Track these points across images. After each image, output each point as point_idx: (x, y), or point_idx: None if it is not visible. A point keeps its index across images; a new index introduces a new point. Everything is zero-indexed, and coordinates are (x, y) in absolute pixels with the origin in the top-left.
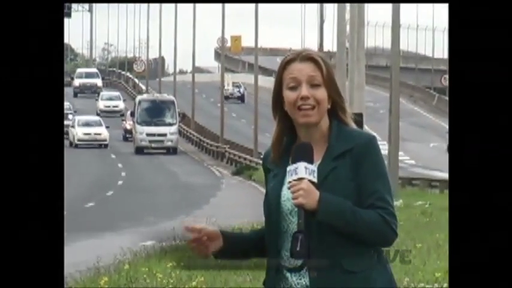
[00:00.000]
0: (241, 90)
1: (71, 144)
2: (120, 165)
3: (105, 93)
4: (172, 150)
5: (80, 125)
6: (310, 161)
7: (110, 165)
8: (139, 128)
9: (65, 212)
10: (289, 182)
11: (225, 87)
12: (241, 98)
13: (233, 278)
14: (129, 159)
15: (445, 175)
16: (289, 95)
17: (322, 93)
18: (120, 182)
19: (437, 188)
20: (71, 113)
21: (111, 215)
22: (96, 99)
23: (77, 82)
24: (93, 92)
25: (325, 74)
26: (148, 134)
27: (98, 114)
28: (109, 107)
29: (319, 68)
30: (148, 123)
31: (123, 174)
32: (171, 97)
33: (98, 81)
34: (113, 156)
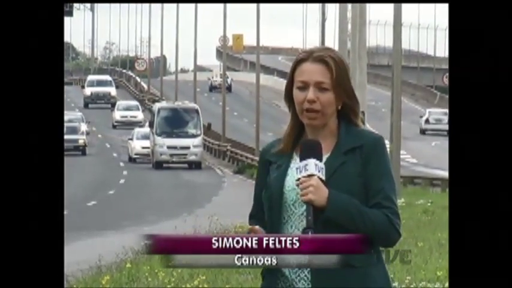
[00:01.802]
0: (228, 81)
1: (130, 159)
2: (121, 164)
3: (121, 102)
4: (195, 165)
5: (139, 137)
6: (319, 158)
7: (112, 163)
8: (158, 139)
9: (66, 211)
10: (298, 178)
11: (213, 78)
12: (228, 88)
13: (234, 277)
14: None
15: (446, 174)
16: (297, 95)
17: (328, 97)
18: (122, 181)
19: (439, 187)
20: (77, 125)
21: (113, 214)
22: (112, 110)
23: (87, 91)
24: (106, 102)
25: (334, 77)
26: (169, 147)
27: (114, 126)
28: (126, 117)
29: (329, 71)
30: (169, 135)
31: (124, 173)
32: (195, 105)
33: (112, 90)
34: (115, 154)
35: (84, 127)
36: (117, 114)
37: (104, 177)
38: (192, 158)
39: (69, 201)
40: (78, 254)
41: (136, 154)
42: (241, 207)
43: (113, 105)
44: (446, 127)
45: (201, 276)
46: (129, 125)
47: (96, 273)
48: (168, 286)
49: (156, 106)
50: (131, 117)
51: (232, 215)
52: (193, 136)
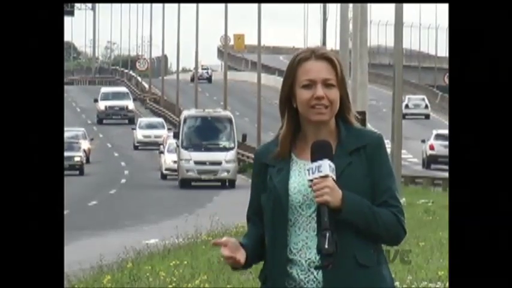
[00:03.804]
0: (209, 72)
1: (161, 175)
2: (123, 163)
3: (143, 119)
4: (229, 183)
5: (171, 150)
6: (331, 159)
7: (113, 163)
8: (185, 153)
9: (68, 211)
10: (311, 179)
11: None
12: (208, 79)
13: (236, 277)
14: (132, 157)
15: (447, 173)
16: (303, 94)
17: (335, 93)
18: (123, 181)
19: (440, 186)
20: (76, 142)
21: (114, 214)
22: (134, 128)
23: (102, 105)
24: (123, 117)
25: (339, 74)
26: (197, 162)
27: (135, 147)
28: (149, 137)
29: (334, 68)
30: (196, 148)
31: (126, 172)
32: (227, 113)
33: (129, 104)
34: (116, 154)
35: (86, 144)
36: (139, 133)
37: (105, 177)
38: (224, 175)
39: (71, 201)
40: (80, 253)
41: (167, 169)
42: (242, 206)
43: (130, 120)
44: (424, 111)
45: (203, 275)
46: (153, 145)
47: (97, 272)
48: (170, 286)
49: (183, 114)
50: (155, 136)
51: (234, 215)
52: (226, 149)
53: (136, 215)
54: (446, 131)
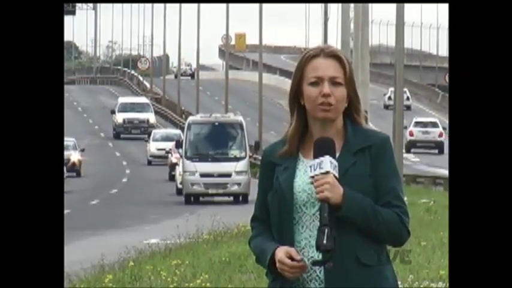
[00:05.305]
0: (192, 68)
1: (177, 190)
2: (124, 163)
3: (158, 131)
4: (242, 198)
5: None
6: (333, 155)
7: (114, 163)
8: (189, 165)
9: (69, 210)
10: (313, 176)
11: (180, 67)
12: (192, 75)
13: (237, 276)
14: (133, 157)
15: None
16: (310, 91)
17: (342, 92)
18: (124, 180)
19: (441, 186)
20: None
21: (116, 213)
22: (147, 140)
23: (119, 118)
24: (143, 131)
25: (347, 73)
26: (203, 175)
27: (149, 162)
28: (164, 150)
29: (342, 67)
30: (203, 158)
31: (127, 171)
32: (238, 118)
33: (151, 117)
34: (118, 154)
35: (76, 156)
36: (153, 146)
37: (106, 176)
38: (235, 188)
39: (72, 201)
40: (81, 253)
41: (182, 183)
42: (244, 206)
43: (150, 135)
44: (405, 102)
45: (204, 275)
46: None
47: (98, 272)
48: (171, 285)
49: (188, 120)
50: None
51: (235, 215)
52: (236, 159)
53: (137, 215)
54: (424, 119)
